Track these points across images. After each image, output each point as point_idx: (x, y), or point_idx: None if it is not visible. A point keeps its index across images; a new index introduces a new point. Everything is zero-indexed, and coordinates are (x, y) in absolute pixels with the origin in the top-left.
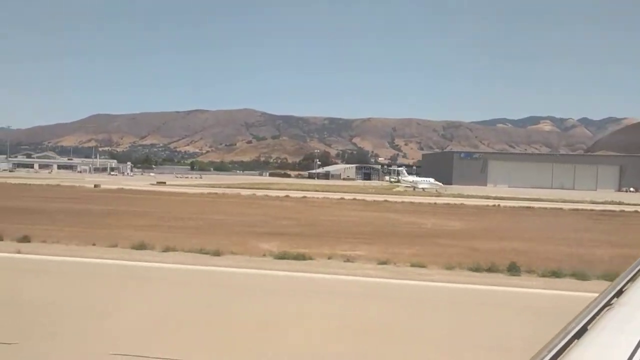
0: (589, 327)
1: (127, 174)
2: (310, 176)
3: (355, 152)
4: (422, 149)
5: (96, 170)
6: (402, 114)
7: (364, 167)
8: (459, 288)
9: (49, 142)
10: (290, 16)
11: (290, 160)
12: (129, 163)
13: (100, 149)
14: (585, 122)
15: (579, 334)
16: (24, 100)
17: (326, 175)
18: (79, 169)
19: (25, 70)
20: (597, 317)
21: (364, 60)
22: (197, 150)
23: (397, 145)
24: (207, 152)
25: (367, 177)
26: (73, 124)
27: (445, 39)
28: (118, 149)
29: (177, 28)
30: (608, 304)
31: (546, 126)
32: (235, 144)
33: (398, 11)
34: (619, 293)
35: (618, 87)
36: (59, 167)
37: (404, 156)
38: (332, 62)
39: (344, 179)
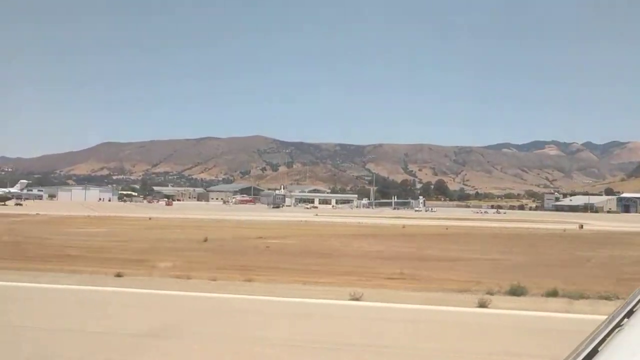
0: (599, 349)
1: (425, 209)
2: (558, 208)
3: (368, 177)
4: (436, 174)
5: (369, 205)
6: (412, 139)
7: (624, 198)
8: None
9: (60, 171)
10: (296, 43)
11: (326, 187)
12: (421, 197)
13: (114, 177)
14: (589, 146)
15: (590, 356)
16: (31, 129)
17: (587, 208)
18: (355, 204)
19: (32, 100)
20: (608, 339)
21: (372, 87)
22: (213, 178)
23: (412, 170)
24: (235, 180)
25: (626, 209)
26: (82, 152)
27: (447, 65)
28: (132, 177)
29: (184, 56)
30: (619, 324)
31: (552, 150)
32: (249, 171)
33: (400, 40)
34: (630, 314)
35: (620, 111)
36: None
37: (420, 182)
38: (340, 88)
39: (607, 211)
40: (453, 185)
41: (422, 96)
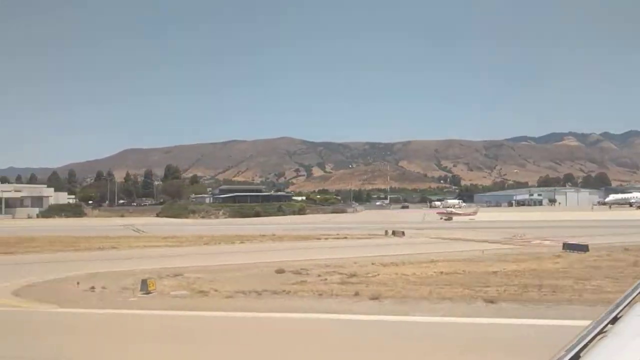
0: (582, 355)
1: None
2: None
3: (402, 173)
4: (471, 170)
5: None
6: (440, 135)
7: None
8: None
9: (91, 180)
10: (318, 45)
11: (393, 187)
12: None
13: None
14: (607, 136)
15: None
16: (52, 139)
17: None
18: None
19: (52, 109)
20: (590, 344)
21: (396, 85)
22: (249, 181)
23: (445, 167)
24: (291, 183)
25: None
26: (107, 160)
27: (463, 61)
28: None
29: (203, 60)
30: (602, 331)
31: (571, 142)
32: (284, 173)
33: (414, 39)
34: (614, 320)
35: (637, 100)
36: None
37: (455, 177)
38: (364, 87)
39: None
40: (489, 180)
41: (440, 92)
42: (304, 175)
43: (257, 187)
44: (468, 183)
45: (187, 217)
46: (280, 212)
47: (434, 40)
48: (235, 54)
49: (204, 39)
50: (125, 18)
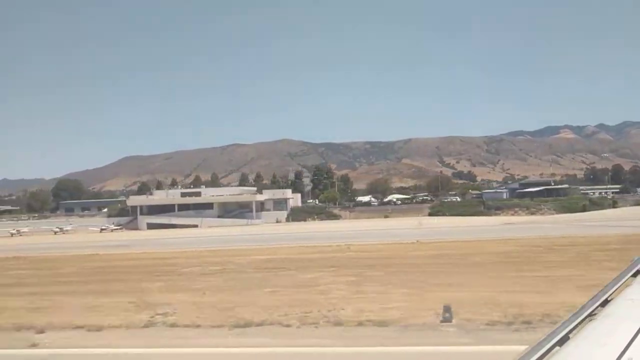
0: (570, 336)
1: None
2: None
3: (414, 171)
4: (474, 165)
5: None
6: (440, 132)
7: None
8: None
9: (92, 188)
10: (314, 45)
11: (409, 184)
12: None
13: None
14: (602, 127)
15: (561, 342)
16: (49, 149)
17: None
18: None
19: (49, 118)
20: (579, 326)
21: (395, 83)
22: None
23: (449, 163)
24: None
25: None
26: (106, 168)
27: (456, 55)
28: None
29: (199, 63)
30: (592, 314)
31: (568, 135)
32: (287, 175)
33: (413, 35)
34: (605, 303)
35: (630, 90)
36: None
37: (470, 174)
38: (362, 86)
39: None
40: (495, 175)
41: (438, 88)
42: (308, 176)
43: (546, 181)
44: (478, 179)
45: (486, 215)
46: (596, 206)
47: (432, 38)
48: (233, 54)
49: (198, 42)
50: (119, 20)
